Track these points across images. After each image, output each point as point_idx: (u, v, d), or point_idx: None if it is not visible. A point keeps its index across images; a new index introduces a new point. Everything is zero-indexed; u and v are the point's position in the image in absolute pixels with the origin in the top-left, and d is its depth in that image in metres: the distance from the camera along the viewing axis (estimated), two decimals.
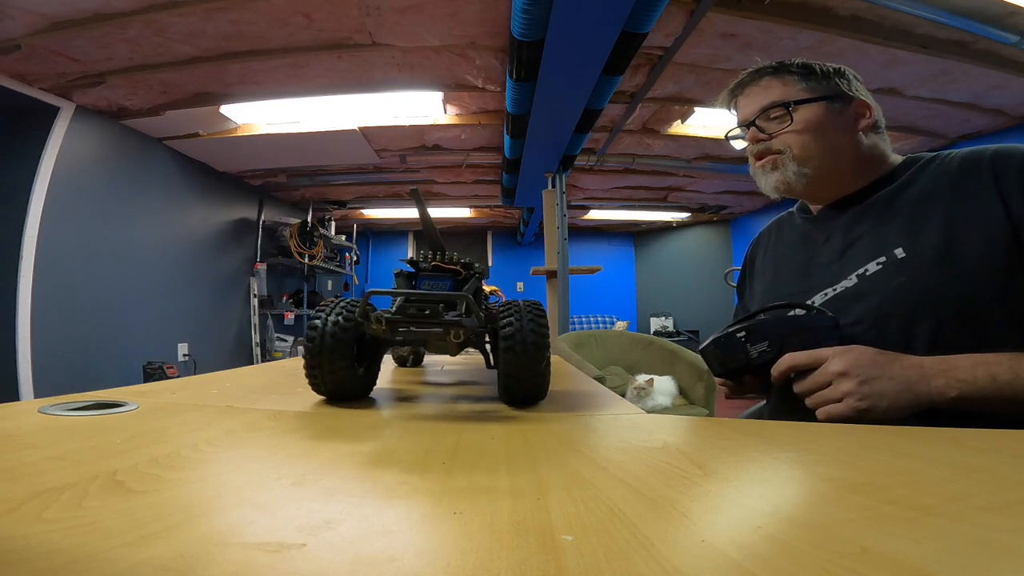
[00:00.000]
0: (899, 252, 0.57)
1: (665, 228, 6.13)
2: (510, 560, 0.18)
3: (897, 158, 0.67)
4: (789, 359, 0.54)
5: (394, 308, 0.46)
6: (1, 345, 2.33)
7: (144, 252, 3.12)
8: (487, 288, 0.94)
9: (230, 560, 0.17)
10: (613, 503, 0.23)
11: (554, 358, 0.64)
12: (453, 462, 0.31)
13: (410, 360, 0.87)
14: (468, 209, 5.27)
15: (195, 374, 1.51)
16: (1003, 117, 2.84)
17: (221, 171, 3.80)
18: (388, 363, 0.91)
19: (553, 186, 3.08)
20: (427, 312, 0.44)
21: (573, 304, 3.07)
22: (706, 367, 2.07)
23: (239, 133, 3.08)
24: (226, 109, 2.76)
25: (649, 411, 0.49)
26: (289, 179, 4.05)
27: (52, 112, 2.50)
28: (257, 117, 2.97)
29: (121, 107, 2.71)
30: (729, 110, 0.75)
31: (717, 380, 0.65)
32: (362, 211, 5.16)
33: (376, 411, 0.48)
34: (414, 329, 0.45)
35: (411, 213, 4.97)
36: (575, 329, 2.90)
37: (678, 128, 3.11)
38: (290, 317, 4.42)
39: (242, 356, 4.10)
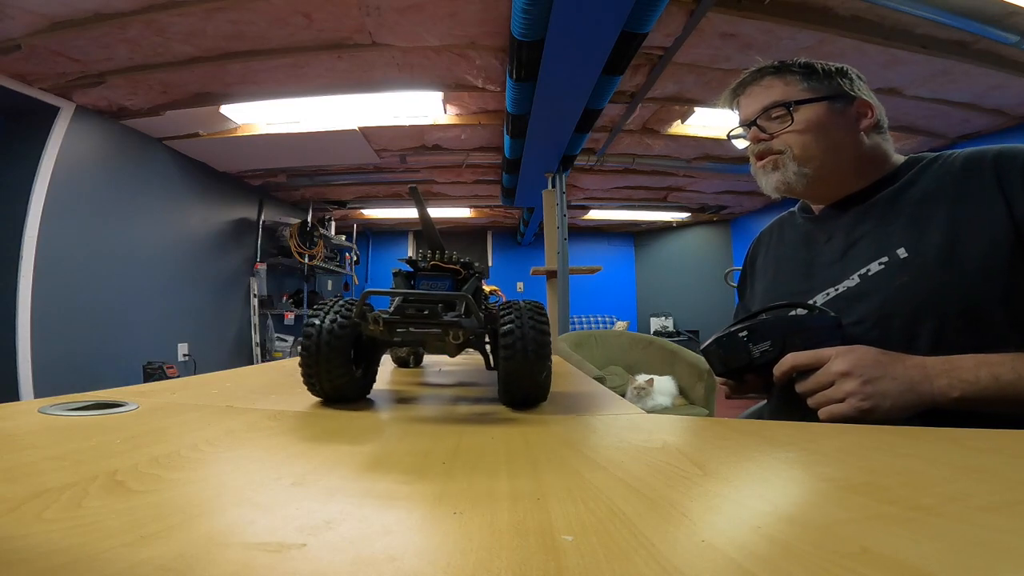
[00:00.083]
0: (901, 252, 0.57)
1: (665, 228, 6.13)
2: (510, 560, 0.18)
3: (899, 158, 0.67)
4: (791, 359, 0.54)
5: (392, 308, 0.45)
6: (1, 345, 2.33)
7: (144, 252, 3.12)
8: (487, 288, 0.93)
9: (230, 560, 0.17)
10: (613, 503, 0.23)
11: (554, 358, 0.64)
12: (453, 462, 0.31)
13: (411, 361, 0.87)
14: (468, 209, 5.27)
15: (195, 374, 1.51)
16: (1003, 117, 2.84)
17: (221, 171, 3.80)
18: (387, 363, 0.90)
19: (553, 186, 3.08)
20: (426, 312, 0.43)
21: (573, 304, 3.08)
22: (706, 367, 2.06)
23: (239, 133, 3.08)
24: (226, 109, 2.76)
25: (649, 411, 0.49)
26: (289, 179, 4.05)
27: (52, 112, 2.50)
28: (257, 117, 2.97)
29: (121, 107, 2.71)
30: (731, 109, 0.74)
31: (718, 380, 0.65)
32: (362, 211, 5.16)
33: (375, 413, 0.48)
34: (412, 330, 0.44)
35: (411, 213, 4.97)
36: (575, 329, 2.90)
37: (678, 128, 3.11)
38: (290, 317, 4.42)
39: (242, 356, 4.10)
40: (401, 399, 0.56)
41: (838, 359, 0.51)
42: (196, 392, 0.56)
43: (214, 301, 3.80)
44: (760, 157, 0.69)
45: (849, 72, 0.67)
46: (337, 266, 5.00)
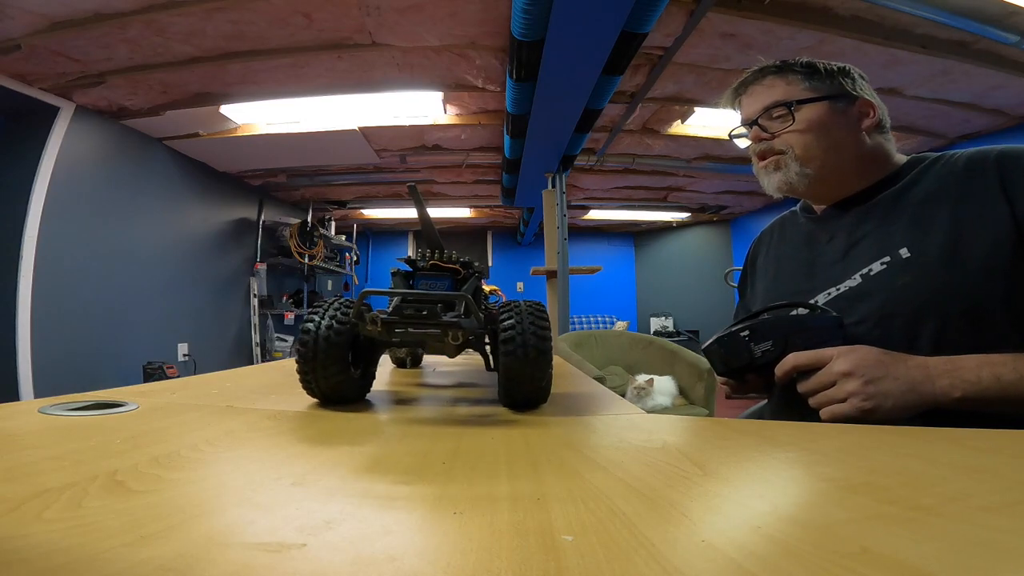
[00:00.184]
0: (903, 252, 0.57)
1: (665, 228, 6.13)
2: (510, 560, 0.18)
3: (902, 158, 0.67)
4: (793, 359, 0.54)
5: (390, 309, 0.44)
6: (1, 345, 2.33)
7: (144, 252, 3.12)
8: (487, 288, 0.93)
9: (230, 560, 0.17)
10: (613, 503, 0.23)
11: (555, 358, 0.63)
12: (453, 463, 0.31)
13: (408, 362, 0.86)
14: (468, 209, 5.27)
15: (195, 374, 1.51)
16: (1003, 117, 2.84)
17: (221, 171, 3.80)
18: (386, 364, 0.90)
19: (553, 186, 3.08)
20: (424, 313, 0.43)
21: (573, 304, 3.08)
22: (706, 367, 2.07)
23: (239, 133, 3.08)
24: (226, 109, 2.76)
25: (649, 411, 0.49)
26: (289, 179, 4.05)
27: (52, 112, 2.50)
28: (257, 117, 2.97)
29: (121, 107, 2.71)
30: (733, 109, 0.74)
31: (719, 379, 0.65)
32: (362, 211, 5.17)
33: (374, 414, 0.47)
34: (411, 330, 0.43)
35: (411, 213, 4.97)
36: (575, 329, 2.90)
37: (678, 128, 3.11)
38: (290, 317, 4.42)
39: (242, 356, 4.10)
40: (400, 400, 0.56)
41: (840, 359, 0.51)
42: (196, 392, 0.56)
43: (214, 301, 3.80)
44: (762, 157, 0.69)
45: (851, 71, 0.66)
46: (337, 266, 5.00)
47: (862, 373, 0.49)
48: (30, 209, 2.42)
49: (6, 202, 2.44)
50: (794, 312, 0.61)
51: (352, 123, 2.96)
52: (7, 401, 0.46)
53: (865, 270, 0.60)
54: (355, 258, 5.34)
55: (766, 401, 0.72)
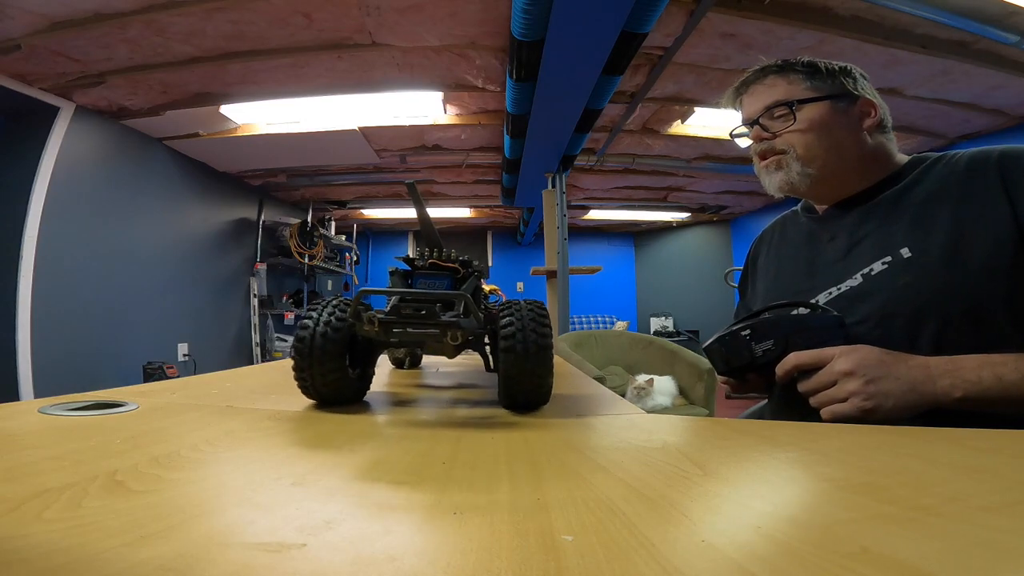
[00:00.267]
0: (905, 252, 0.57)
1: (665, 228, 6.13)
2: (510, 560, 0.18)
3: (903, 158, 0.67)
4: (794, 358, 0.54)
5: (388, 308, 0.43)
6: (1, 345, 2.33)
7: (144, 252, 3.12)
8: (487, 287, 0.91)
9: (230, 560, 0.17)
10: (613, 503, 0.23)
11: (555, 359, 0.63)
12: (453, 462, 0.31)
13: (407, 362, 0.85)
14: (468, 209, 5.27)
15: (195, 374, 1.50)
16: (1003, 117, 2.84)
17: (221, 171, 3.80)
18: (385, 365, 0.90)
19: (553, 186, 3.08)
20: (423, 312, 0.42)
21: (573, 304, 3.08)
22: (706, 367, 2.07)
23: (239, 133, 3.08)
24: (226, 109, 2.76)
25: (649, 411, 0.48)
26: (289, 179, 4.05)
27: (52, 112, 2.50)
28: (257, 117, 2.97)
29: (121, 107, 2.71)
30: (734, 108, 0.74)
31: (720, 378, 0.65)
32: (362, 211, 5.17)
33: (371, 416, 0.47)
34: (410, 330, 0.42)
35: (411, 213, 4.97)
36: (575, 329, 2.91)
37: (678, 128, 3.11)
38: (290, 317, 4.42)
39: (242, 356, 4.10)
40: (398, 402, 0.55)
41: (841, 358, 0.51)
42: (196, 392, 0.56)
43: (214, 301, 3.80)
44: (763, 156, 0.69)
45: (853, 71, 0.66)
46: (337, 266, 5.00)
47: (863, 373, 0.49)
48: (30, 209, 2.42)
49: (6, 202, 2.44)
50: (795, 311, 0.61)
51: (352, 123, 2.96)
52: (7, 401, 0.46)
53: (866, 270, 0.60)
54: (355, 258, 5.34)
55: (766, 401, 0.72)
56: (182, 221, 3.48)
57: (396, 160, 3.59)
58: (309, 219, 4.51)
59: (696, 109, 2.81)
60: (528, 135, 2.68)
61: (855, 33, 2.01)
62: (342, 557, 0.18)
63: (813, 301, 0.63)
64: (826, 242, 0.67)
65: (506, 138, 2.83)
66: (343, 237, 5.20)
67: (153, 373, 2.94)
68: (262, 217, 4.31)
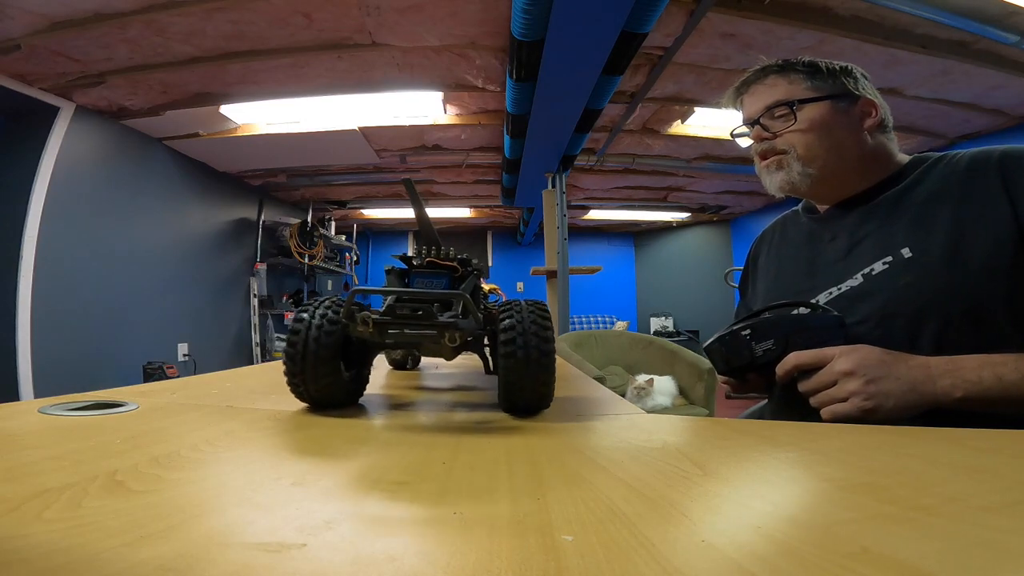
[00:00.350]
0: (906, 252, 0.57)
1: (665, 228, 6.13)
2: (510, 560, 0.18)
3: (904, 158, 0.67)
4: (795, 358, 0.54)
5: (383, 308, 0.42)
6: (1, 345, 2.33)
7: (144, 252, 3.12)
8: (486, 287, 0.89)
9: (230, 560, 0.17)
10: (613, 503, 0.23)
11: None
12: (453, 463, 0.31)
13: (409, 363, 0.83)
14: (468, 209, 5.27)
15: (195, 374, 1.50)
16: (1003, 117, 2.84)
17: (221, 171, 3.80)
18: (384, 366, 0.90)
19: (553, 186, 3.08)
20: (420, 313, 0.40)
21: (573, 304, 3.08)
22: (706, 367, 2.06)
23: (239, 133, 3.08)
24: (226, 109, 2.76)
25: (649, 411, 0.48)
26: (289, 179, 4.05)
27: (52, 112, 2.50)
28: (257, 117, 2.97)
29: (121, 107, 2.71)
30: (734, 108, 0.74)
31: (720, 378, 0.65)
32: (362, 211, 5.17)
33: (367, 420, 0.46)
34: (406, 331, 0.40)
35: (411, 213, 4.96)
36: (575, 329, 2.91)
37: (678, 128, 3.11)
38: (290, 317, 4.39)
39: (242, 356, 4.10)
40: (394, 405, 0.53)
41: (841, 358, 0.51)
42: (196, 392, 0.56)
43: (214, 301, 3.80)
44: (764, 156, 0.69)
45: (853, 71, 0.66)
46: (337, 266, 5.00)
47: (863, 372, 0.49)
48: (30, 209, 2.42)
49: (6, 202, 2.44)
50: (795, 311, 0.61)
51: (352, 123, 2.96)
52: (7, 401, 0.46)
53: (867, 270, 0.60)
54: (355, 258, 5.34)
55: (766, 401, 0.72)
56: (182, 221, 3.48)
57: (396, 160, 3.59)
58: (309, 219, 4.51)
59: (696, 109, 2.81)
60: (528, 135, 2.68)
61: (855, 33, 2.01)
62: (342, 557, 0.18)
63: (813, 301, 0.63)
64: (827, 242, 0.67)
65: (506, 138, 2.83)
66: (343, 237, 5.20)
67: (153, 373, 2.94)
68: (262, 217, 4.31)
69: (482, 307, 0.51)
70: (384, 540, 0.19)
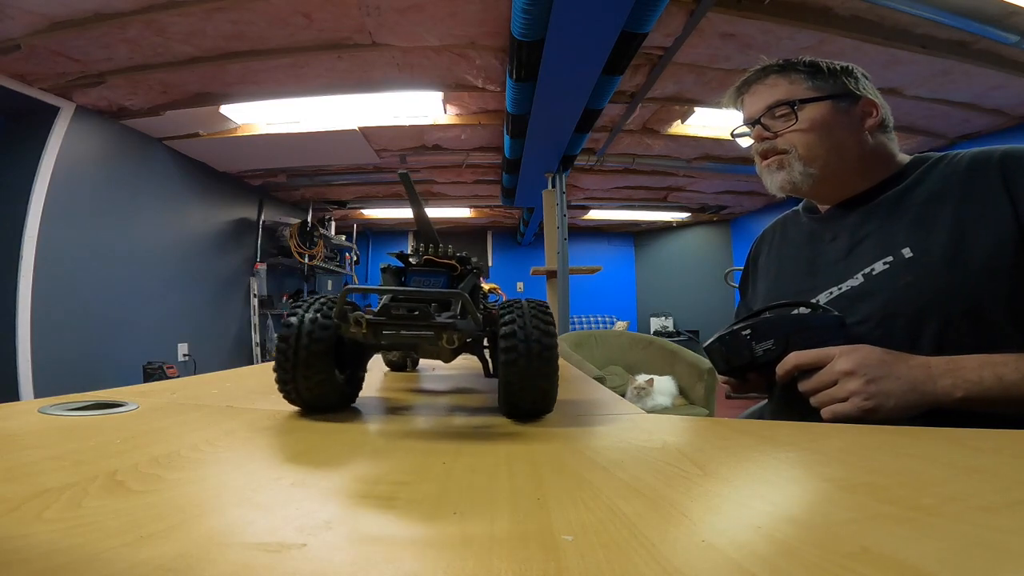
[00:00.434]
0: (906, 252, 0.57)
1: (665, 228, 6.13)
2: (510, 560, 0.18)
3: (905, 158, 0.67)
4: (795, 357, 0.54)
5: (379, 308, 0.40)
6: (1, 345, 2.33)
7: (144, 252, 3.12)
8: (486, 286, 0.88)
9: (230, 560, 0.17)
10: (613, 503, 0.23)
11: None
12: (453, 462, 0.31)
13: (408, 365, 0.80)
14: (468, 209, 5.27)
15: (195, 374, 1.50)
16: (1003, 117, 2.84)
17: (221, 171, 3.80)
18: (381, 367, 0.89)
19: (553, 186, 3.08)
20: (416, 313, 0.38)
21: (573, 304, 3.08)
22: (706, 367, 2.06)
23: (239, 133, 3.08)
24: (226, 109, 2.76)
25: (649, 411, 0.48)
26: (289, 179, 4.05)
27: (52, 112, 2.50)
28: (257, 117, 2.97)
29: (121, 107, 2.71)
30: (735, 108, 0.74)
31: (720, 378, 0.65)
32: (362, 211, 5.17)
33: (361, 424, 0.44)
34: (402, 332, 0.38)
35: (411, 213, 4.96)
36: (575, 329, 2.91)
37: (678, 128, 3.11)
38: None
39: (242, 356, 4.10)
40: (390, 408, 0.52)
41: (842, 358, 0.51)
42: (196, 392, 0.56)
43: (214, 301, 3.80)
44: (764, 156, 0.69)
45: (854, 71, 0.66)
46: (337, 266, 5.00)
47: (864, 372, 0.49)
48: (30, 209, 2.42)
49: (6, 202, 2.44)
50: (796, 311, 0.61)
51: (352, 123, 2.95)
52: (7, 401, 0.46)
53: (867, 270, 0.60)
54: (355, 258, 5.34)
55: (766, 401, 0.72)
56: (182, 221, 3.48)
57: (396, 160, 3.59)
58: (309, 219, 4.51)
59: (696, 109, 2.81)
60: (528, 135, 2.68)
61: (855, 33, 2.01)
62: (342, 557, 0.18)
63: (814, 301, 0.63)
64: (827, 242, 0.67)
65: (506, 138, 2.83)
66: (343, 237, 5.20)
67: (153, 373, 2.94)
68: (262, 217, 4.31)
69: (482, 307, 0.50)
70: (384, 540, 0.19)
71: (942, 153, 0.64)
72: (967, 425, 0.39)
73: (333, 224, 5.10)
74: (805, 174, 0.65)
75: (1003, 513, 0.22)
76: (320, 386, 0.42)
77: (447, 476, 0.28)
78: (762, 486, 0.27)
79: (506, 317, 0.41)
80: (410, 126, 2.99)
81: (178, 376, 2.83)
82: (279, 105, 2.75)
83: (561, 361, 1.01)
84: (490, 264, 6.21)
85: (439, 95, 2.65)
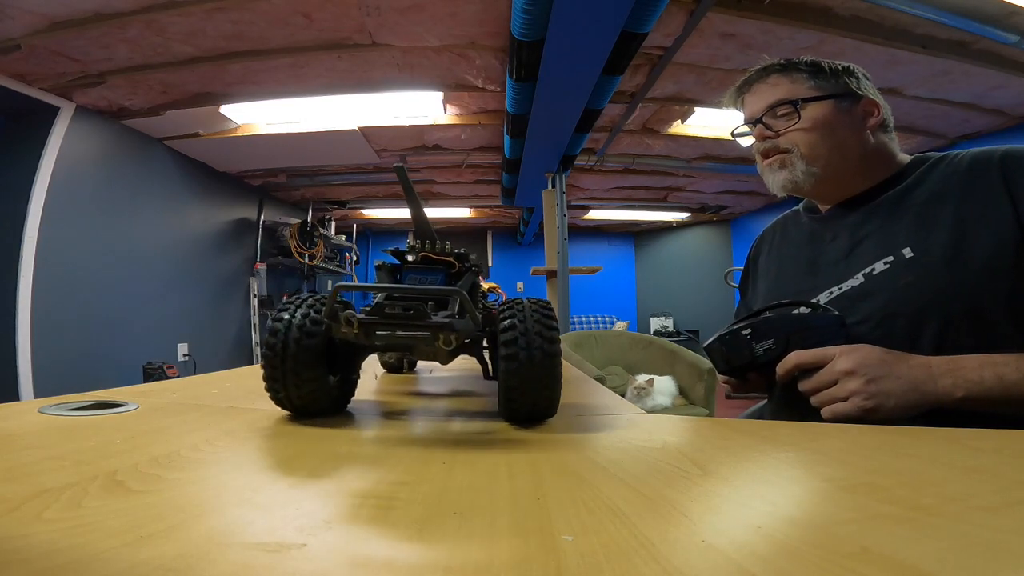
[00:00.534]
0: (907, 252, 0.57)
1: (665, 228, 6.13)
2: (510, 560, 0.18)
3: (905, 157, 0.67)
4: (795, 357, 0.54)
5: (372, 306, 0.38)
6: (1, 345, 2.33)
7: (144, 252, 3.12)
8: (486, 285, 0.84)
9: (230, 560, 0.17)
10: (613, 503, 0.23)
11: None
12: (453, 461, 0.31)
13: (404, 367, 0.77)
14: (468, 209, 5.27)
15: (195, 374, 1.50)
16: (1003, 117, 2.84)
17: (221, 171, 3.80)
18: (379, 368, 0.88)
19: (553, 186, 3.08)
20: (411, 312, 0.36)
21: (573, 304, 3.08)
22: (706, 367, 2.06)
23: (239, 133, 3.08)
24: (226, 109, 2.76)
25: (649, 411, 0.48)
26: (289, 179, 4.05)
27: (52, 112, 2.50)
28: (257, 117, 2.97)
29: (121, 107, 2.71)
30: (736, 108, 0.74)
31: (720, 378, 0.65)
32: (362, 211, 5.17)
33: (361, 425, 0.44)
34: (397, 333, 0.37)
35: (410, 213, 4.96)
36: (575, 329, 2.91)
37: (678, 128, 3.11)
38: None
39: (242, 356, 4.09)
40: (384, 412, 0.49)
41: (842, 358, 0.51)
42: (196, 392, 0.56)
43: (214, 301, 3.80)
44: (766, 155, 0.69)
45: (855, 71, 0.67)
46: (337, 266, 5.00)
47: (864, 372, 0.49)
48: (30, 209, 2.42)
49: (6, 202, 2.44)
50: (796, 311, 0.61)
51: (352, 123, 2.95)
52: (7, 401, 0.46)
53: (868, 269, 0.60)
54: (355, 258, 5.34)
55: (766, 401, 0.72)
56: (182, 221, 3.47)
57: (396, 160, 3.59)
58: (309, 219, 4.51)
59: (696, 109, 2.81)
60: (528, 135, 2.68)
61: (855, 33, 2.01)
62: (342, 557, 0.18)
63: (814, 301, 0.63)
64: (828, 242, 0.67)
65: (506, 138, 2.83)
66: (343, 237, 5.20)
67: (153, 373, 2.94)
68: (262, 217, 4.31)
69: (481, 306, 0.48)
70: (384, 540, 0.19)
71: (943, 153, 0.64)
72: (967, 425, 0.39)
73: (333, 224, 5.10)
74: (807, 173, 0.65)
75: (1003, 513, 0.22)
76: (310, 390, 0.40)
77: (447, 476, 0.28)
78: (762, 486, 0.27)
79: (506, 317, 0.39)
80: (410, 126, 2.99)
81: (178, 376, 2.83)
82: (279, 105, 2.75)
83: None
84: (490, 264, 6.21)
85: (439, 95, 2.65)
